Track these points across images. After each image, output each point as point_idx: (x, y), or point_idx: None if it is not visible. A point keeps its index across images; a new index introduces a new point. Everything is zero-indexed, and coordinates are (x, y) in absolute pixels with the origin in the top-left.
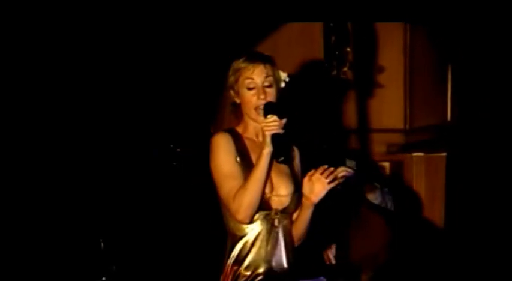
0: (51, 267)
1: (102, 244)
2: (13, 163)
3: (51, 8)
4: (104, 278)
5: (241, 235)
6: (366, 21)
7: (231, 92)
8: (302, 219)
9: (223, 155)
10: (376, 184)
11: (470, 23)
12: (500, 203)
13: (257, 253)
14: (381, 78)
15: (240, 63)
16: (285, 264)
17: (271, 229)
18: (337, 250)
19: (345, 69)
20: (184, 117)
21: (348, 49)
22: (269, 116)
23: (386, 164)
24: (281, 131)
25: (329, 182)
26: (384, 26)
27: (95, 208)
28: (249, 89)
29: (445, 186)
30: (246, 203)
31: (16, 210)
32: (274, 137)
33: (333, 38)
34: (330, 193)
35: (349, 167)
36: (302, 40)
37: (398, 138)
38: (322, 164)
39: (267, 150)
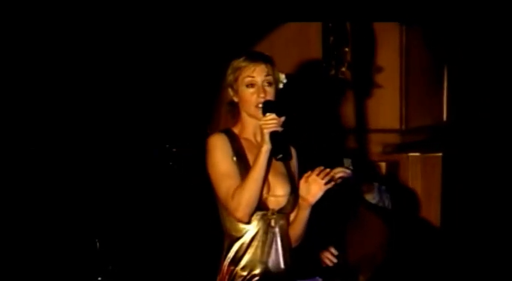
0: (47, 267)
1: (98, 244)
2: (10, 162)
3: (51, 8)
4: (99, 278)
5: (238, 235)
6: (362, 22)
7: (230, 90)
8: (299, 220)
9: (219, 155)
10: (373, 182)
11: (466, 24)
12: (497, 203)
13: (254, 253)
14: (377, 78)
15: (240, 62)
16: (281, 265)
17: (267, 230)
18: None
19: (343, 69)
20: (181, 117)
21: (347, 49)
22: (268, 114)
23: (383, 164)
24: (279, 129)
25: (326, 183)
26: (380, 27)
27: (91, 207)
28: (249, 87)
29: (441, 186)
30: (245, 201)
31: (12, 210)
32: (273, 135)
33: (332, 38)
34: (327, 193)
35: (347, 167)
36: (299, 40)
37: (394, 138)
38: (320, 163)
39: (266, 148)
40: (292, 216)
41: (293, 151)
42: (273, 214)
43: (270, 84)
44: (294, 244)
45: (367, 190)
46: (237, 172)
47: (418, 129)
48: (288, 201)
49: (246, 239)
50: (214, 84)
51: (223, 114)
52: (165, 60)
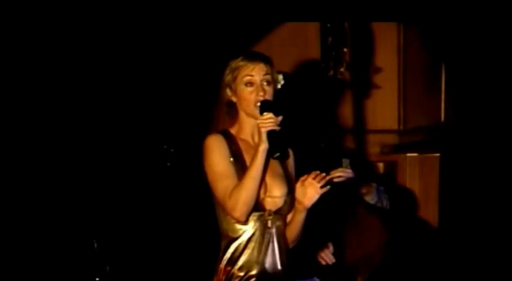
0: (45, 267)
1: (95, 245)
2: (7, 163)
3: (51, 8)
4: (97, 279)
5: (235, 236)
6: (360, 22)
7: (228, 91)
8: (295, 222)
9: (216, 156)
10: (372, 183)
11: (464, 25)
12: (494, 203)
13: (250, 254)
14: (375, 79)
15: (239, 62)
16: (278, 265)
17: (264, 230)
18: (333, 250)
19: (342, 69)
20: (179, 118)
21: (345, 50)
22: (265, 114)
23: (380, 165)
24: (277, 128)
25: (322, 187)
26: (378, 27)
27: (89, 208)
28: (248, 86)
29: (439, 186)
30: (243, 201)
31: (10, 211)
32: (270, 134)
33: (330, 39)
34: (325, 194)
35: (346, 168)
36: (296, 41)
37: (392, 139)
38: (318, 163)
39: (263, 147)
40: (288, 217)
41: (290, 152)
42: (269, 214)
43: (268, 83)
44: (290, 245)
45: (366, 191)
46: (234, 172)
47: (416, 130)
48: (285, 202)
49: (242, 240)
50: (212, 85)
51: (221, 115)
52: (164, 61)
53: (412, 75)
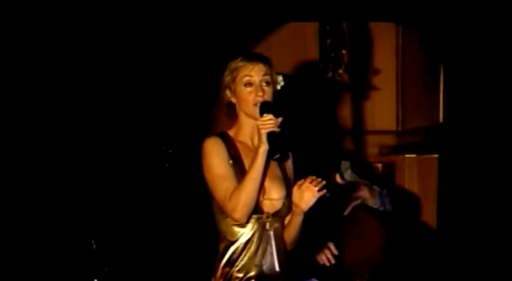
0: (44, 268)
1: (94, 245)
2: (6, 164)
3: (51, 8)
4: (95, 280)
5: (233, 238)
6: (359, 22)
7: (227, 91)
8: (293, 225)
9: (215, 159)
10: (375, 187)
11: (462, 26)
12: (493, 204)
13: (249, 256)
14: (374, 80)
15: (238, 62)
16: (276, 267)
17: (262, 233)
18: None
19: (341, 71)
20: (178, 119)
21: (344, 51)
22: (265, 115)
23: (379, 166)
24: (277, 130)
25: (319, 191)
26: (376, 29)
27: (87, 209)
28: (247, 86)
29: (437, 187)
30: (243, 202)
31: (8, 211)
32: (270, 136)
33: (329, 40)
34: (324, 196)
35: (345, 170)
36: (295, 42)
37: (390, 140)
38: (317, 164)
39: (263, 148)
40: (287, 219)
41: (289, 154)
42: (268, 217)
43: (267, 83)
44: (289, 247)
45: (369, 196)
46: (233, 175)
47: (414, 131)
48: (284, 204)
49: (241, 242)
50: (211, 86)
51: (220, 116)
52: (163, 62)
53: (411, 76)
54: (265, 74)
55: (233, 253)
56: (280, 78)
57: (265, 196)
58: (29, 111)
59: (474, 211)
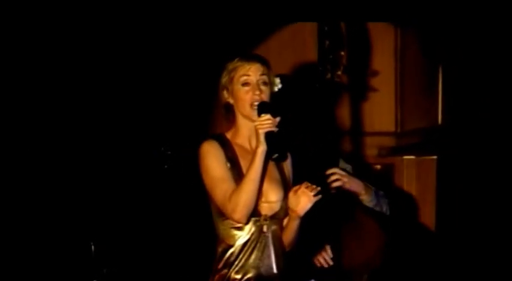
0: (43, 269)
1: (93, 247)
2: (4, 164)
3: (51, 8)
4: None
5: (231, 240)
6: (357, 23)
7: (224, 92)
8: (290, 229)
9: (213, 161)
10: (370, 185)
11: (461, 27)
12: (492, 206)
13: (246, 258)
14: (373, 81)
15: (235, 63)
16: (274, 269)
17: (260, 235)
18: (331, 253)
19: (339, 72)
20: (177, 120)
21: (342, 53)
22: (263, 115)
23: (378, 167)
24: (275, 129)
25: (314, 195)
26: (375, 30)
27: (87, 210)
28: (245, 85)
29: (436, 189)
30: (242, 202)
31: (7, 212)
32: (268, 136)
33: (327, 42)
34: (322, 197)
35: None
36: (294, 43)
37: (389, 141)
38: (316, 165)
39: (261, 148)
40: (285, 221)
41: (288, 156)
42: (265, 219)
43: (265, 83)
44: (287, 249)
45: (364, 191)
46: (231, 177)
47: (413, 132)
48: (281, 207)
49: (238, 244)
50: (210, 87)
51: (219, 118)
52: (163, 63)
53: (410, 77)
54: (262, 74)
55: (231, 255)
56: (277, 80)
57: (263, 199)
58: (28, 111)
59: (473, 213)
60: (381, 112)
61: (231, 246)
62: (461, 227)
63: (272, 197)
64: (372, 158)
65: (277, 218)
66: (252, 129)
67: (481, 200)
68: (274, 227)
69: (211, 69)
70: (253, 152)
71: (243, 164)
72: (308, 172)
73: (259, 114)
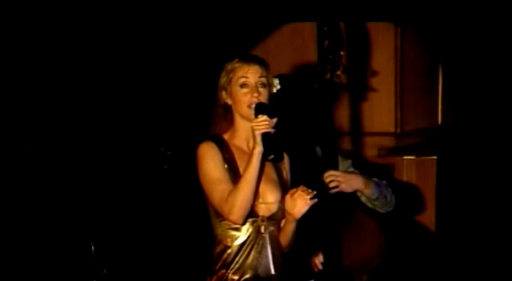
0: (42, 270)
1: (92, 248)
2: (3, 165)
3: (51, 8)
4: None
5: (228, 242)
6: (357, 23)
7: (223, 93)
8: (287, 231)
9: (210, 162)
10: (371, 178)
11: (461, 27)
12: (492, 206)
13: (244, 259)
14: (372, 81)
15: (234, 64)
16: (272, 271)
17: (257, 236)
18: (328, 255)
19: (339, 72)
20: (176, 120)
21: (342, 53)
22: (259, 116)
23: (378, 168)
24: (271, 130)
25: (311, 198)
26: (374, 30)
27: (86, 211)
28: (243, 87)
29: (436, 189)
30: (239, 204)
31: (7, 213)
32: (264, 136)
33: (327, 42)
34: (320, 198)
35: (348, 169)
36: (293, 43)
37: (389, 141)
38: (315, 165)
39: (258, 149)
40: (283, 222)
41: (286, 157)
42: (263, 220)
43: (263, 85)
44: (285, 250)
45: (365, 186)
46: (228, 178)
47: (413, 133)
48: (279, 208)
49: (236, 245)
50: (209, 87)
51: (217, 118)
52: (162, 64)
53: (410, 78)
54: (261, 76)
55: (228, 255)
56: (276, 81)
57: (260, 200)
58: (27, 112)
59: (473, 213)
60: (380, 112)
61: (229, 247)
62: (461, 227)
63: (269, 198)
64: (372, 158)
65: (274, 219)
66: (250, 130)
67: (481, 200)
68: (271, 228)
69: (210, 69)
70: (250, 153)
71: (240, 165)
72: (306, 173)
73: (256, 115)
